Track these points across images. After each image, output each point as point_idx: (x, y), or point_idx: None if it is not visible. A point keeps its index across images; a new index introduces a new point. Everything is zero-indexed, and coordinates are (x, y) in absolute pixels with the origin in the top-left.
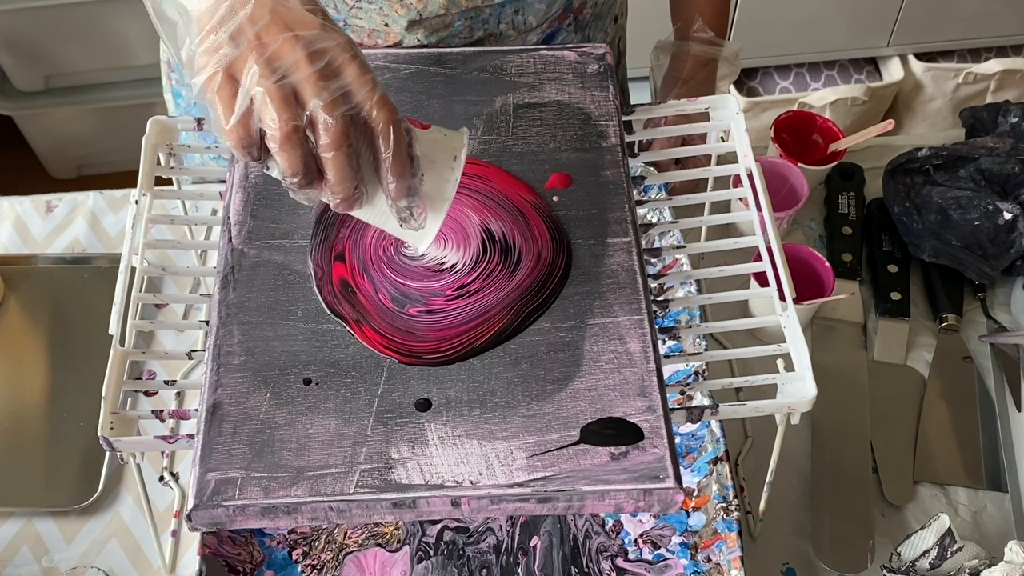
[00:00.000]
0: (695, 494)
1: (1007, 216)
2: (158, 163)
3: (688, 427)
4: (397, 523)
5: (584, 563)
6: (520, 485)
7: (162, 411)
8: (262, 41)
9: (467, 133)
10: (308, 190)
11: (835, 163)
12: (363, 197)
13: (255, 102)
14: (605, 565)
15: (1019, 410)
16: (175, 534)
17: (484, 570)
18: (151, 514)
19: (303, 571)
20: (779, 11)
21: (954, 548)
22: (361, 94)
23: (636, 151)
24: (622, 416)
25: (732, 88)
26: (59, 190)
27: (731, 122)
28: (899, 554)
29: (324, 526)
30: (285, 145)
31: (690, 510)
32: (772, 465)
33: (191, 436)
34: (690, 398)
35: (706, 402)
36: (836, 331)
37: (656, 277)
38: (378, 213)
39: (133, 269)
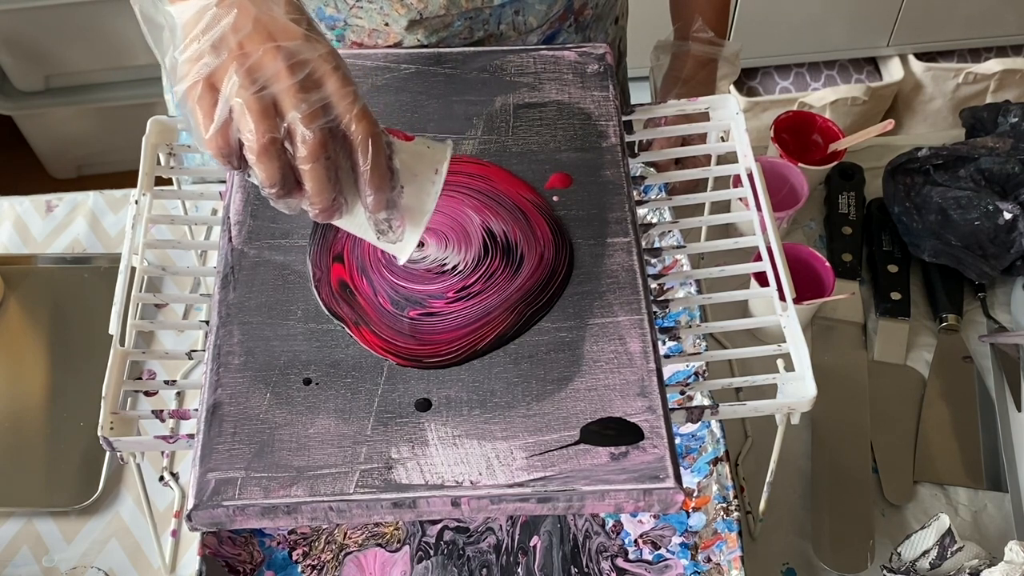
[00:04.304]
0: (695, 494)
1: (1007, 216)
2: (158, 163)
3: (688, 427)
4: (397, 523)
5: (584, 563)
6: (520, 485)
7: (162, 411)
8: (244, 51)
9: (451, 146)
10: (287, 199)
11: (835, 163)
12: (343, 208)
13: (234, 112)
14: (605, 565)
15: (1019, 410)
16: (175, 534)
17: (484, 570)
18: (151, 514)
19: (303, 571)
20: (779, 11)
21: (954, 548)
22: (341, 106)
23: (636, 151)
24: (622, 416)
25: (732, 88)
26: (59, 190)
27: (731, 122)
28: (899, 554)
29: (324, 526)
30: (262, 157)
31: (690, 510)
32: (772, 465)
33: (191, 436)
34: (690, 398)
35: (706, 402)
36: (836, 331)
37: (656, 277)
38: (358, 224)
39: (133, 269)
